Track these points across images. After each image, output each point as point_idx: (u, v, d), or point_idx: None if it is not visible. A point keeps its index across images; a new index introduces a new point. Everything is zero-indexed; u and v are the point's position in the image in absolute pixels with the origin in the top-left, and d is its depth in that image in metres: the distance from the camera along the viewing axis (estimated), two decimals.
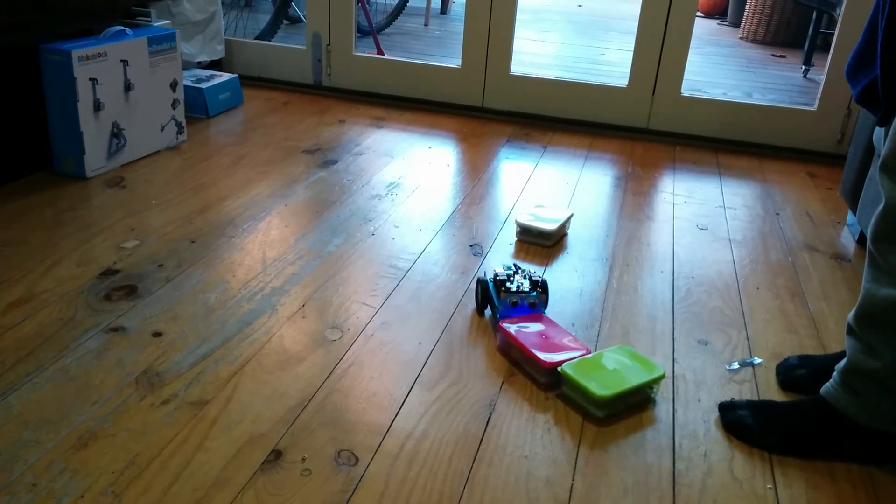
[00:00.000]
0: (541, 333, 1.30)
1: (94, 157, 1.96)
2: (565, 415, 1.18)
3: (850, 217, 1.99)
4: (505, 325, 1.31)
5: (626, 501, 1.02)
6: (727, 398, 1.24)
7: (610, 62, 3.96)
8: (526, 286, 1.40)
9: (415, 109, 2.77)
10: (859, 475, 1.10)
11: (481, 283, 1.44)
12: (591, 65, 3.88)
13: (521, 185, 2.13)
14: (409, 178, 2.11)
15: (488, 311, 1.46)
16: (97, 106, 1.93)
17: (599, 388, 1.16)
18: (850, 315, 1.13)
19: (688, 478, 1.07)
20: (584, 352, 1.27)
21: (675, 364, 1.33)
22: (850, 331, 1.12)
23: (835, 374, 1.15)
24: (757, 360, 1.36)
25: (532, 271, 1.46)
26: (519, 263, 1.50)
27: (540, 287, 1.42)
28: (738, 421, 1.17)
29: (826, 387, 1.15)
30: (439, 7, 5.23)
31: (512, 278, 1.42)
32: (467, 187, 2.08)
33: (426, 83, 2.78)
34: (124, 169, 2.04)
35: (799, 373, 1.28)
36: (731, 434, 1.16)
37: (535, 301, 1.39)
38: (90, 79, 1.90)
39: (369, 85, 2.84)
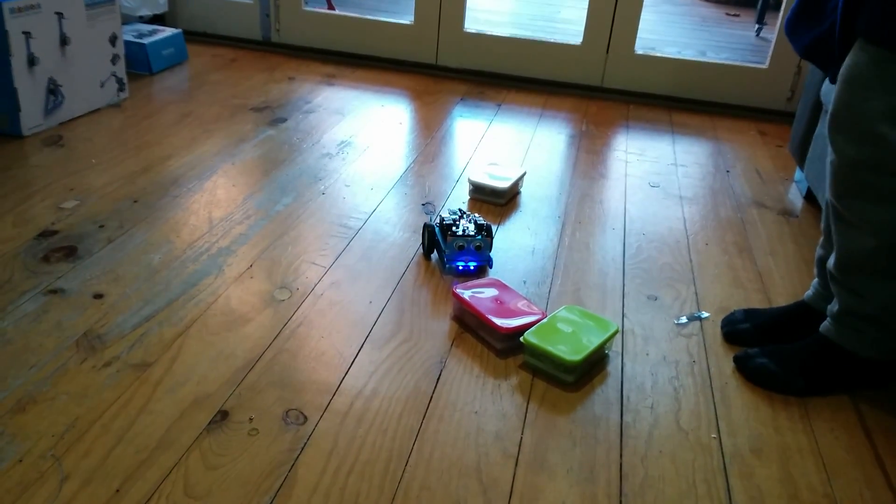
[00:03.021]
0: (495, 299, 1.29)
1: (30, 115, 1.88)
2: (516, 371, 1.19)
3: (798, 173, 2.02)
4: (459, 291, 1.30)
5: (575, 453, 1.03)
6: (674, 352, 1.26)
7: (566, 20, 3.93)
8: (471, 230, 1.43)
9: (367, 67, 2.72)
10: (801, 424, 1.13)
11: (428, 228, 1.47)
12: (546, 22, 3.85)
13: (474, 143, 2.11)
14: (361, 137, 2.08)
15: (434, 256, 1.49)
16: (31, 61, 1.85)
17: (568, 353, 1.15)
18: (831, 265, 1.18)
19: (635, 429, 1.09)
20: (539, 316, 1.26)
21: (625, 319, 1.35)
22: (833, 278, 1.18)
23: (830, 318, 1.20)
24: (704, 315, 1.38)
25: (476, 215, 1.49)
26: (464, 209, 1.53)
27: (485, 230, 1.45)
28: (762, 368, 1.20)
29: (827, 328, 1.20)
30: None
31: (458, 223, 1.45)
32: (420, 146, 2.05)
33: (378, 40, 2.72)
34: (62, 127, 1.96)
35: (742, 327, 1.30)
36: (755, 384, 1.20)
37: (480, 244, 1.42)
38: (23, 32, 1.81)
39: (320, 41, 2.77)
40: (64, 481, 0.92)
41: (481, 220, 1.48)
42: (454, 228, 1.43)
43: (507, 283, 1.36)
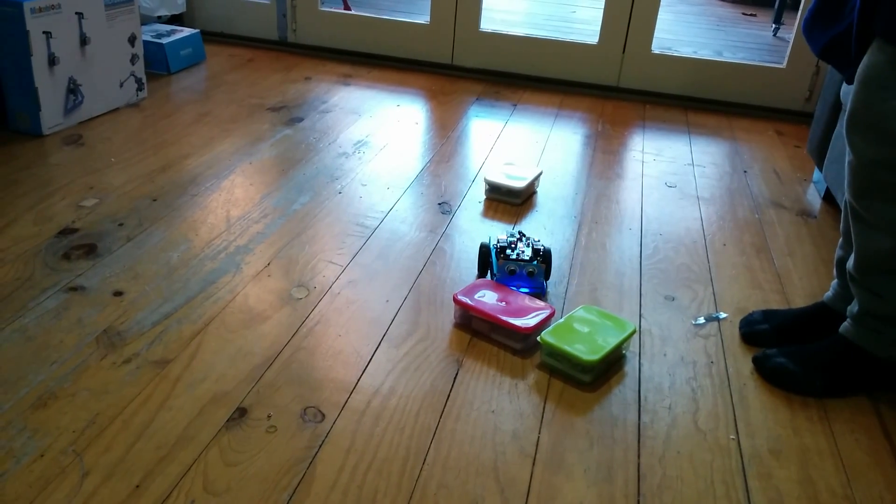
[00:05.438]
0: (500, 300, 1.29)
1: (51, 114, 1.90)
2: (532, 370, 1.19)
3: (816, 174, 2.01)
4: (461, 297, 1.28)
5: (592, 453, 1.03)
6: (692, 352, 1.25)
7: (581, 19, 3.92)
8: (527, 254, 1.37)
9: (383, 66, 2.73)
10: (821, 426, 1.12)
11: (484, 248, 1.42)
12: (562, 22, 3.84)
13: (490, 143, 2.11)
14: (377, 137, 2.08)
15: (488, 277, 1.43)
16: (52, 60, 1.86)
17: (586, 353, 1.15)
18: (850, 266, 1.17)
19: (653, 430, 1.08)
20: (549, 310, 1.26)
21: (642, 319, 1.34)
22: (853, 279, 1.17)
23: (849, 319, 1.20)
24: (722, 315, 1.37)
25: (537, 239, 1.43)
26: (524, 231, 1.48)
27: (541, 256, 1.38)
28: (781, 368, 1.20)
29: (846, 328, 1.20)
30: None
31: (514, 246, 1.39)
32: (436, 145, 2.06)
33: (394, 40, 2.73)
34: (82, 126, 1.98)
35: (761, 327, 1.30)
36: (773, 383, 1.20)
37: (533, 270, 1.36)
38: (44, 32, 1.83)
39: (336, 41, 2.78)
40: (85, 476, 0.93)
41: (540, 245, 1.41)
42: (508, 251, 1.37)
43: (495, 282, 1.35)
